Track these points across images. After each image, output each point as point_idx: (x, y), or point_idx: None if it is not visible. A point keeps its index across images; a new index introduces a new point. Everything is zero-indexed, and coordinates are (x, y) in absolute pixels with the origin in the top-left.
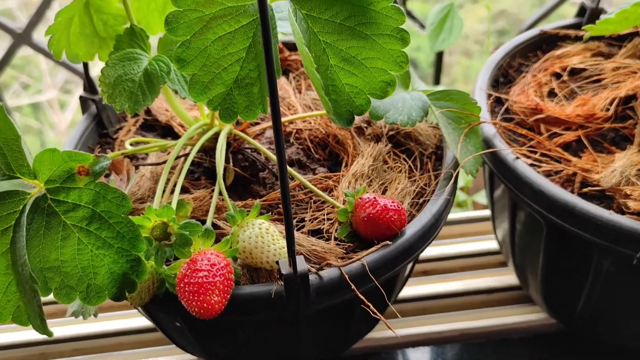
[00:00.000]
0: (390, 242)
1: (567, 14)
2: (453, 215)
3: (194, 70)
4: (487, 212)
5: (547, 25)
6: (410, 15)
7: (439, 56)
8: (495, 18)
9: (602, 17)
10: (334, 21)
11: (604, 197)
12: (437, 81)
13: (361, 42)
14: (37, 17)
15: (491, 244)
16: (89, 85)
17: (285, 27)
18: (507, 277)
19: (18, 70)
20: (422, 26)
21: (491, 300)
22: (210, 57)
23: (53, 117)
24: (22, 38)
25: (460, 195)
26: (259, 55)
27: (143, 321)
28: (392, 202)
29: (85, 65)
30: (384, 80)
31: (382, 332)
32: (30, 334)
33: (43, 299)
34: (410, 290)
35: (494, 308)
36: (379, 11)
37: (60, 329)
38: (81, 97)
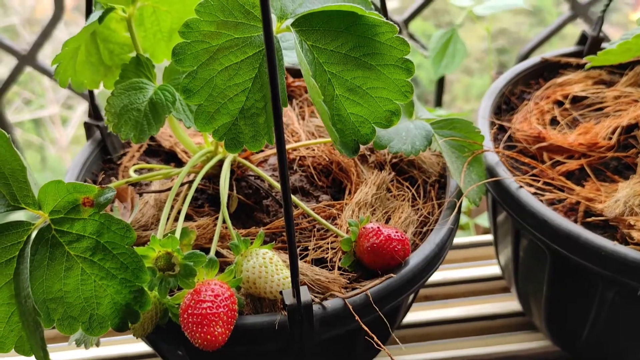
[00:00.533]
0: (394, 275)
1: (567, 33)
2: (455, 239)
3: (200, 101)
4: (489, 237)
5: (548, 53)
6: (412, 37)
7: (441, 80)
8: (495, 37)
9: (604, 46)
10: (340, 52)
11: (607, 227)
12: (438, 103)
13: (366, 72)
14: (42, 38)
15: (494, 269)
16: (94, 112)
17: (292, 57)
18: (510, 304)
19: (21, 86)
20: (424, 47)
21: (494, 327)
22: (217, 87)
23: (54, 132)
24: (26, 59)
25: (462, 218)
26: (265, 86)
27: (143, 347)
28: (396, 232)
29: (91, 93)
30: (389, 110)
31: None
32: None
33: None
34: (412, 316)
35: (497, 335)
36: (384, 42)
37: (61, 354)
38: (86, 124)
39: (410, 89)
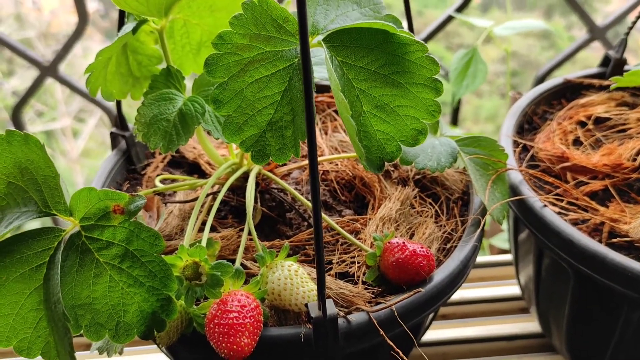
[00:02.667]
0: (422, 289)
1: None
2: None
3: (229, 112)
4: (507, 257)
5: (571, 74)
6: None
7: (458, 101)
8: (506, 60)
9: (628, 67)
10: (369, 69)
11: (632, 248)
12: (454, 122)
13: (395, 90)
14: (64, 51)
15: (512, 289)
16: (120, 122)
17: (320, 72)
18: (529, 324)
19: (34, 98)
20: (442, 68)
21: (512, 348)
22: (246, 99)
23: (65, 144)
24: (48, 70)
25: None
26: (293, 100)
27: (162, 357)
28: (421, 247)
29: (118, 103)
30: (415, 128)
31: None
32: None
33: None
34: (430, 334)
35: (515, 355)
36: (413, 61)
37: None
38: (112, 133)
39: (438, 108)
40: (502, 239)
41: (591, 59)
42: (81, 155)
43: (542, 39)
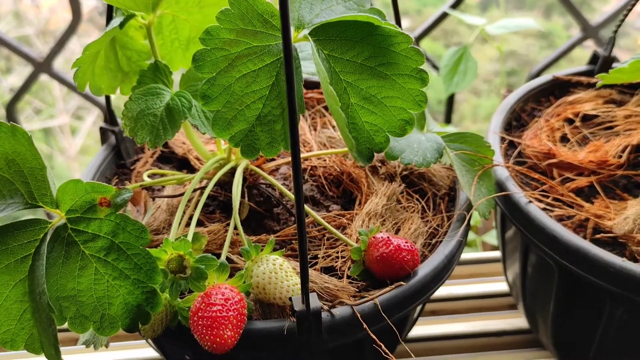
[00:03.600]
0: (404, 283)
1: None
2: (462, 255)
3: (217, 107)
4: (496, 254)
5: (559, 72)
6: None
7: (451, 97)
8: (504, 59)
9: (615, 65)
10: (355, 61)
11: (616, 244)
12: (448, 120)
13: (381, 81)
14: (58, 46)
15: (501, 286)
16: (110, 117)
17: (308, 67)
18: (517, 320)
19: (32, 95)
20: (435, 67)
21: (500, 343)
22: (234, 94)
23: (64, 142)
24: (42, 67)
25: (469, 235)
26: (281, 94)
27: (150, 352)
28: (406, 242)
29: (107, 98)
30: (403, 119)
31: None
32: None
33: None
34: (418, 330)
35: (503, 351)
36: (399, 52)
37: (68, 358)
38: (101, 128)
39: (424, 98)
40: (494, 236)
41: (586, 57)
42: (79, 153)
43: (541, 38)
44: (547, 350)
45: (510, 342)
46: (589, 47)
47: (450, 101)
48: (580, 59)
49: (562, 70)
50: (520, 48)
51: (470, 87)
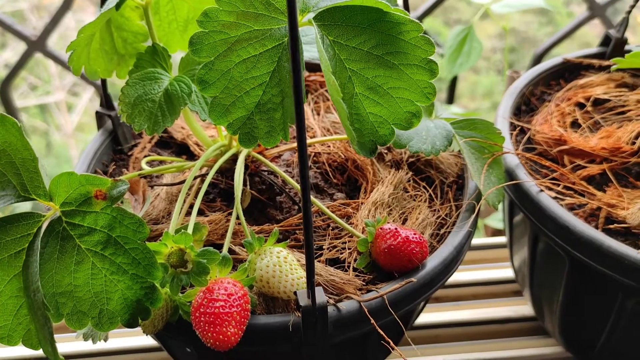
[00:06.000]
0: (414, 279)
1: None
2: None
3: (215, 93)
4: (501, 239)
5: (570, 54)
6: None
7: (454, 79)
8: (503, 35)
9: (629, 47)
10: (362, 49)
11: (629, 235)
12: (450, 101)
13: (388, 71)
14: (52, 24)
15: (505, 272)
16: (106, 101)
17: (311, 52)
18: (522, 308)
19: (27, 71)
20: (438, 44)
21: (505, 331)
22: (233, 80)
23: (60, 118)
24: (36, 45)
25: None
26: (283, 81)
27: (150, 340)
28: (414, 233)
29: (103, 82)
30: (409, 111)
31: None
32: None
33: None
34: (422, 317)
35: (507, 339)
36: (408, 41)
37: (65, 345)
38: (97, 113)
39: (433, 90)
40: (496, 219)
41: (589, 35)
42: (76, 130)
43: (540, 15)
44: (553, 338)
45: (515, 330)
46: (591, 25)
47: (453, 82)
48: (581, 37)
49: (565, 49)
50: (520, 25)
51: None
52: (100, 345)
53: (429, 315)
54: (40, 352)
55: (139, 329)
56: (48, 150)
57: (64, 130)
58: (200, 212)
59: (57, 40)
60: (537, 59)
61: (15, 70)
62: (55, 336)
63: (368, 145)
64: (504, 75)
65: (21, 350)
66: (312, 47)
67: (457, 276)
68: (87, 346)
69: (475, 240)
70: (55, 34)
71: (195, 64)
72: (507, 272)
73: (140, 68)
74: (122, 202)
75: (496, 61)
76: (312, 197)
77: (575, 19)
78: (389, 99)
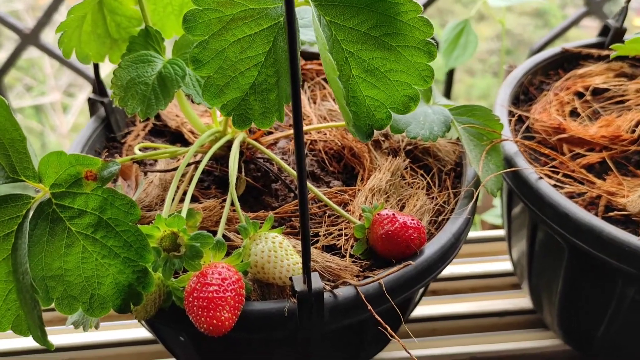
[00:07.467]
0: (412, 263)
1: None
2: None
3: (209, 73)
4: (498, 232)
5: (569, 44)
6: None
7: (450, 72)
8: (499, 38)
9: (628, 37)
10: (359, 30)
11: (629, 222)
12: (447, 95)
13: (386, 53)
14: (46, 18)
15: (503, 265)
16: (99, 87)
17: (307, 35)
18: (520, 300)
19: (22, 72)
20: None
21: (503, 324)
22: (228, 59)
23: (55, 119)
24: (29, 39)
25: None
26: (278, 61)
27: (143, 332)
28: (412, 219)
29: (96, 67)
30: (406, 95)
31: (391, 353)
32: (25, 342)
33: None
34: (420, 310)
35: (506, 332)
36: (406, 22)
37: (57, 337)
38: (90, 99)
39: (431, 73)
40: (493, 215)
41: (584, 37)
42: (71, 131)
43: (536, 17)
44: (551, 330)
45: (513, 323)
46: (586, 28)
47: (450, 76)
48: (575, 38)
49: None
50: (516, 27)
51: (464, 66)
52: (94, 337)
53: (427, 308)
54: (36, 345)
55: (133, 321)
56: (43, 151)
57: (59, 131)
58: (195, 200)
59: (52, 38)
60: (534, 55)
61: (7, 64)
62: (47, 328)
63: (364, 129)
64: (500, 77)
65: (17, 342)
66: (309, 30)
67: (455, 269)
68: (80, 338)
69: (473, 234)
70: (50, 32)
71: (189, 46)
72: (506, 265)
73: (133, 51)
74: (115, 188)
75: (492, 63)
76: (308, 184)
77: (571, 16)
78: (386, 82)
